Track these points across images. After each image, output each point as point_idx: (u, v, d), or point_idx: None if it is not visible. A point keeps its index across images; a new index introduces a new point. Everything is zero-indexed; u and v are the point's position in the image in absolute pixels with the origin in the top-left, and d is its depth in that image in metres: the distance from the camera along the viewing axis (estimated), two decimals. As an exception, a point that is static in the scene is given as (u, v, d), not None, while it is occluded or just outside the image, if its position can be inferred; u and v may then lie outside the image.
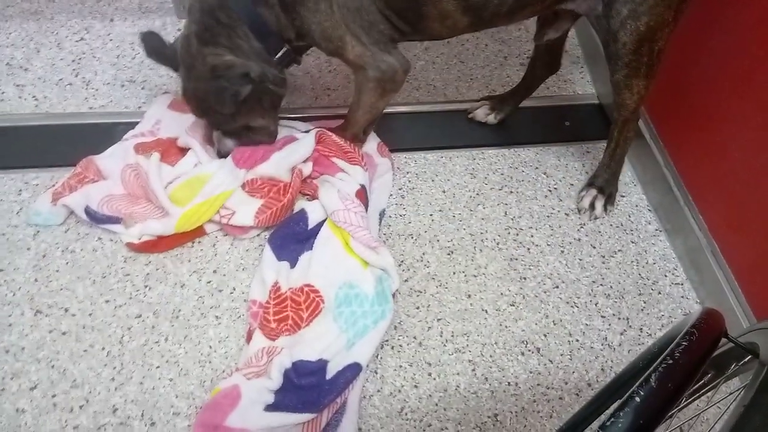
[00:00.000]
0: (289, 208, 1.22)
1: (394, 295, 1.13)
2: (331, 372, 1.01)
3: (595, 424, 0.84)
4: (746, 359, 0.52)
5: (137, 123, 1.36)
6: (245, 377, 0.99)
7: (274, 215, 1.20)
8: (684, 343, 0.41)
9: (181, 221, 1.16)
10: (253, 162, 1.22)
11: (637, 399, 0.36)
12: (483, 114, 1.49)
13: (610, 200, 1.34)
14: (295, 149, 1.23)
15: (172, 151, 1.27)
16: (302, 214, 1.21)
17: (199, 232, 1.21)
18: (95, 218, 1.19)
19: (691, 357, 0.40)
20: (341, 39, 1.10)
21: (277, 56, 1.16)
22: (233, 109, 1.11)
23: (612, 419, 0.36)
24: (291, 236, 1.19)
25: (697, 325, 0.43)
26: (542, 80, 1.44)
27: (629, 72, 1.13)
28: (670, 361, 0.39)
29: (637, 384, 0.39)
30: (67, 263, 1.16)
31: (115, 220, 1.19)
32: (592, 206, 1.34)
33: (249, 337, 1.08)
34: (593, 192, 1.34)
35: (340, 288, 1.11)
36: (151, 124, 1.33)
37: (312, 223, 1.20)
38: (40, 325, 1.09)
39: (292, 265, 1.15)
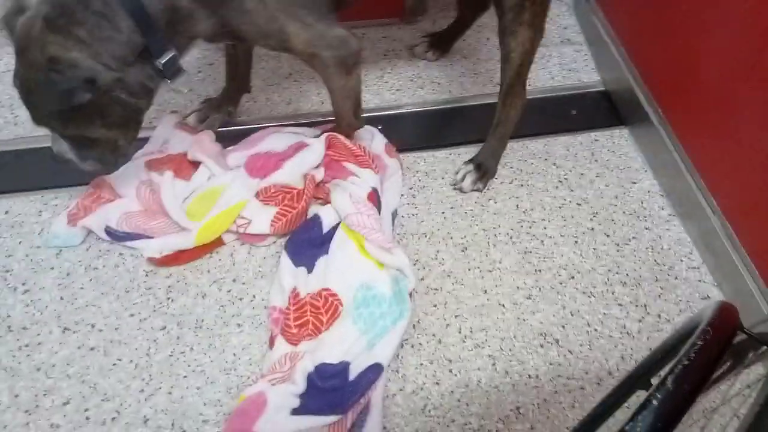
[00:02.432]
0: (303, 214, 1.24)
1: (411, 295, 1.14)
2: (353, 373, 1.03)
3: (619, 414, 0.85)
4: (762, 349, 0.53)
5: (147, 138, 1.38)
6: (270, 383, 1.01)
7: (289, 222, 1.22)
8: (699, 342, 0.42)
9: (200, 234, 1.18)
10: (266, 171, 1.24)
11: (654, 402, 0.38)
12: (422, 51, 1.60)
13: (483, 179, 1.34)
14: (306, 156, 1.25)
15: (183, 166, 1.29)
16: (316, 219, 1.23)
17: (217, 242, 1.23)
18: (116, 236, 1.21)
19: (705, 357, 0.41)
20: (282, 31, 1.01)
21: (161, 60, 0.99)
22: (59, 107, 0.95)
23: (631, 423, 0.38)
24: (306, 242, 1.20)
25: (712, 322, 0.44)
26: (474, 18, 1.53)
27: (514, 17, 1.12)
28: (686, 362, 0.40)
29: (654, 387, 0.40)
30: (90, 280, 1.19)
31: (136, 237, 1.21)
32: (463, 180, 1.34)
33: (271, 343, 1.10)
34: (469, 167, 1.34)
35: (358, 290, 1.13)
36: (159, 144, 1.35)
37: (326, 227, 1.22)
38: (68, 342, 1.11)
39: (309, 270, 1.17)
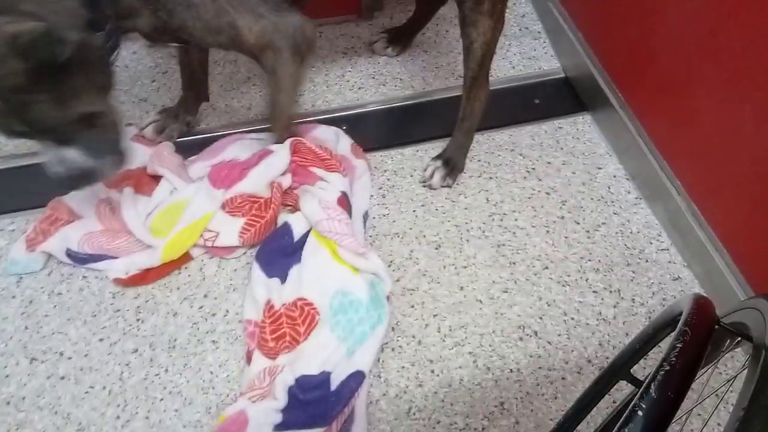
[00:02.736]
0: (272, 223, 1.21)
1: (388, 298, 1.13)
2: (334, 383, 1.01)
3: (602, 404, 0.86)
4: (738, 339, 0.54)
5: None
6: (250, 401, 0.99)
7: (258, 232, 1.19)
8: (678, 345, 0.42)
9: (167, 251, 1.15)
10: (231, 181, 1.21)
11: (640, 413, 0.37)
12: (381, 47, 1.59)
13: (451, 174, 1.34)
14: (271, 163, 1.22)
15: (144, 181, 1.25)
16: (286, 227, 1.20)
17: (185, 258, 1.20)
18: (78, 259, 1.17)
19: (686, 360, 0.41)
20: (233, 26, 0.98)
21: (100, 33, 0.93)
22: (48, 83, 0.85)
23: (618, 436, 0.37)
24: (278, 251, 1.18)
25: (689, 321, 0.44)
26: (432, 12, 1.54)
27: (474, 6, 1.12)
28: (668, 368, 0.40)
29: (637, 396, 0.39)
30: (55, 306, 1.15)
31: (99, 258, 1.17)
32: (432, 177, 1.34)
33: (249, 358, 1.08)
34: (437, 163, 1.34)
35: (334, 297, 1.11)
36: None
37: (297, 235, 1.19)
38: (37, 372, 1.07)
39: (283, 280, 1.14)
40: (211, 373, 1.08)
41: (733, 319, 0.54)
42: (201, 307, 1.16)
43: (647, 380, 0.40)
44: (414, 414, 1.05)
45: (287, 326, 1.08)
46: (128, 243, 1.17)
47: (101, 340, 1.11)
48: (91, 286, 1.17)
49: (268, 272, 1.15)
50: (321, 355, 1.04)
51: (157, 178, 1.26)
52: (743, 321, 0.52)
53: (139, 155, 1.29)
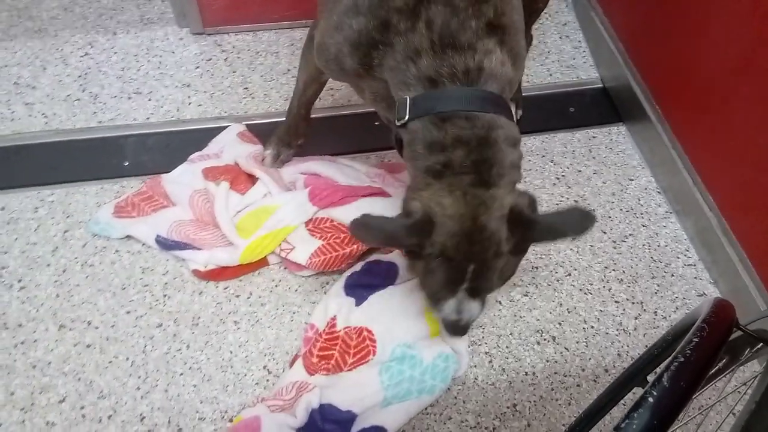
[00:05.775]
0: (346, 260, 1.16)
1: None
2: (356, 428, 0.99)
3: (616, 411, 0.85)
4: (759, 346, 0.53)
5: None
6: (269, 409, 0.99)
7: (327, 262, 1.14)
8: (695, 339, 0.42)
9: (246, 253, 1.14)
10: (329, 202, 1.17)
11: (651, 399, 0.38)
12: None
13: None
14: (384, 208, 1.14)
15: (241, 178, 1.25)
16: (393, 270, 1.15)
17: (262, 262, 1.19)
18: (165, 245, 1.19)
19: (701, 354, 0.41)
20: None
21: None
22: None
23: (626, 420, 0.38)
24: (371, 287, 1.13)
25: (708, 319, 0.44)
26: None
27: None
28: (682, 359, 0.40)
29: (649, 384, 0.40)
30: (86, 277, 1.19)
31: (184, 246, 1.18)
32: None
33: (293, 362, 1.07)
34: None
35: (398, 345, 1.06)
36: (218, 148, 1.32)
37: (400, 281, 1.14)
38: (64, 339, 1.11)
39: (358, 302, 1.10)
40: (231, 352, 1.10)
41: (755, 326, 0.54)
42: (226, 288, 1.18)
43: (661, 371, 0.41)
44: (426, 409, 1.05)
45: (339, 350, 1.06)
46: (213, 236, 1.18)
47: (128, 312, 1.15)
48: (122, 260, 1.21)
49: (348, 292, 1.13)
50: (357, 392, 1.01)
51: (252, 178, 1.25)
52: (764, 328, 0.52)
53: (236, 151, 1.30)
